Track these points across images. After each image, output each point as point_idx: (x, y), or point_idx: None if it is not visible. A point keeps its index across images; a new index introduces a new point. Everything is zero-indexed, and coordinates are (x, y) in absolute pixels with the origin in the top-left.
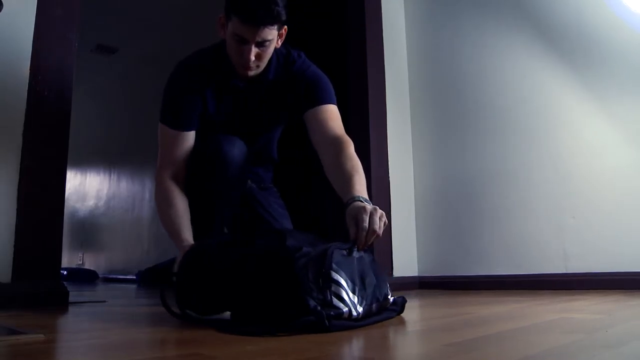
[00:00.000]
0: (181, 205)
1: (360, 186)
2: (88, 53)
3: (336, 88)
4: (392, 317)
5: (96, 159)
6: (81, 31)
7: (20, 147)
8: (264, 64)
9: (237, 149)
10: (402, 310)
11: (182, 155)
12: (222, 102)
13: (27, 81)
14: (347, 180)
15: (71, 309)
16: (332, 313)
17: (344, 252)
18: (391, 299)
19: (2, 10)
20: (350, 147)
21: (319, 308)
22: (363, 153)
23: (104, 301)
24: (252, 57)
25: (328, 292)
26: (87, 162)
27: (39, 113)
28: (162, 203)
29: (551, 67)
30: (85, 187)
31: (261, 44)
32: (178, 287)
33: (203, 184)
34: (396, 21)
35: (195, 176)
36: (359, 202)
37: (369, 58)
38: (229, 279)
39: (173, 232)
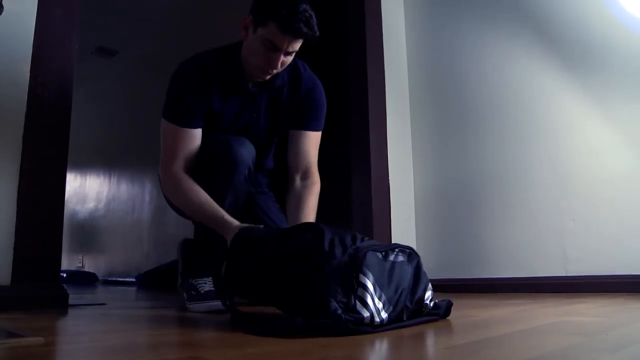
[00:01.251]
0: (204, 191)
1: None
2: (88, 55)
3: (336, 89)
4: (424, 323)
5: (96, 161)
6: (81, 33)
7: (20, 149)
8: (280, 70)
9: (245, 149)
10: (446, 313)
11: (189, 151)
12: (228, 102)
13: (27, 83)
14: (301, 216)
15: (71, 311)
16: (351, 318)
17: (380, 254)
18: (431, 303)
19: (2, 13)
20: (317, 188)
21: (339, 312)
22: (363, 155)
23: (104, 304)
24: (279, 65)
25: (353, 296)
26: (87, 164)
27: (39, 115)
28: (188, 193)
29: (551, 69)
30: (85, 189)
31: (289, 53)
32: (227, 270)
33: (211, 183)
34: (396, 22)
35: (204, 175)
36: None
37: (369, 59)
38: (268, 271)
39: (212, 216)
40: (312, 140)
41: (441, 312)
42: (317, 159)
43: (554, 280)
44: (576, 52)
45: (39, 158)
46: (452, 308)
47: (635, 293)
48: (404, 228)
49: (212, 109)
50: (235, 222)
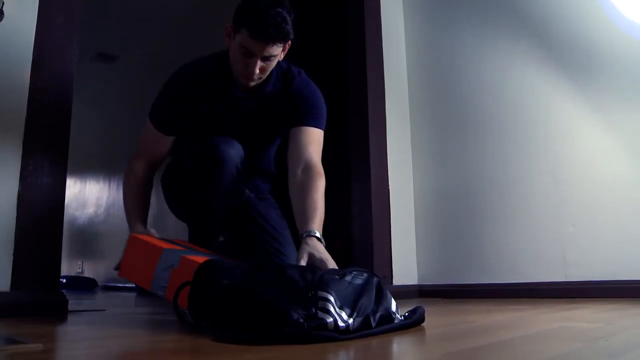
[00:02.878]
0: (146, 191)
1: (319, 222)
2: (88, 61)
3: (336, 93)
4: (395, 329)
5: (96, 166)
6: (81, 39)
7: (20, 154)
8: (265, 75)
9: (233, 149)
10: (419, 320)
11: (160, 152)
12: (216, 109)
13: (28, 89)
14: (308, 211)
15: (70, 317)
16: (313, 324)
17: (337, 276)
18: (399, 316)
19: (3, 20)
20: (321, 180)
21: (301, 320)
22: (362, 160)
23: (104, 309)
24: (257, 70)
25: (313, 308)
26: (87, 169)
27: (39, 121)
28: (130, 181)
29: (550, 74)
30: (85, 195)
31: (267, 58)
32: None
33: (199, 183)
34: (395, 26)
35: (192, 176)
36: (314, 241)
37: (368, 63)
38: (232, 296)
39: (130, 212)
40: (310, 136)
41: (414, 318)
42: (319, 157)
43: (553, 286)
44: (575, 58)
45: (39, 163)
46: (452, 315)
47: (636, 298)
48: (403, 233)
49: (198, 115)
50: (139, 229)
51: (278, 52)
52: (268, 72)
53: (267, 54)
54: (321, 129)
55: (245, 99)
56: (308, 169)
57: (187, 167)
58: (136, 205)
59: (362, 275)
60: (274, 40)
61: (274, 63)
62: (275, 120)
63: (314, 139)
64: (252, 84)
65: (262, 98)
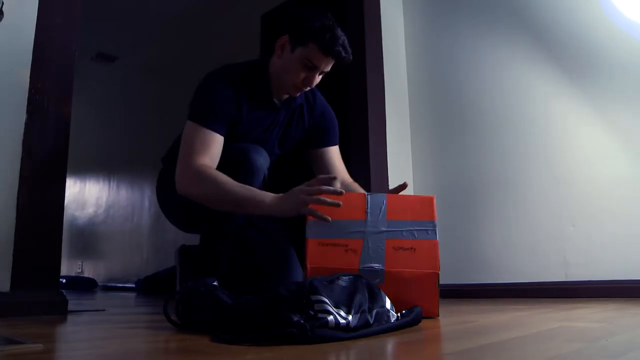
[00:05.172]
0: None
1: None
2: (88, 61)
3: (336, 93)
4: (394, 329)
5: (96, 167)
6: (81, 39)
7: (20, 155)
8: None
9: (262, 157)
10: (417, 320)
11: (211, 152)
12: (253, 113)
13: (27, 90)
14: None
15: (70, 317)
16: (315, 324)
17: (324, 282)
18: (396, 313)
19: (2, 20)
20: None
21: (302, 321)
22: (362, 161)
23: (103, 310)
24: (314, 84)
25: (311, 311)
26: (86, 170)
27: (38, 121)
28: (215, 178)
29: (550, 75)
30: (85, 195)
31: (322, 73)
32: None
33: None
34: (395, 27)
35: None
36: None
37: (368, 65)
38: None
39: (247, 196)
40: (337, 154)
41: (412, 316)
42: (346, 170)
43: (554, 286)
44: (575, 58)
45: (39, 164)
46: (452, 315)
47: (636, 298)
48: None
49: (240, 116)
50: (270, 194)
51: (330, 68)
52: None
53: (325, 69)
54: (338, 143)
55: (280, 109)
56: (346, 185)
57: None
58: (242, 186)
59: (349, 277)
60: (342, 59)
61: (320, 78)
62: (291, 132)
63: (337, 155)
64: (298, 94)
65: (292, 109)
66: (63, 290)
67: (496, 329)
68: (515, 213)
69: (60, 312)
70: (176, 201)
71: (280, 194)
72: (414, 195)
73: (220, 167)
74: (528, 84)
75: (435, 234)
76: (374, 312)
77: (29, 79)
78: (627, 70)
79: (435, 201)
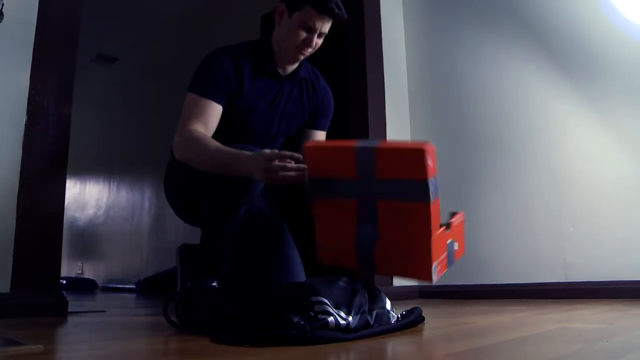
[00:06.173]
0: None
1: None
2: (88, 62)
3: (336, 93)
4: (395, 329)
5: (96, 168)
6: (81, 40)
7: (20, 156)
8: (312, 53)
9: None
10: (418, 320)
11: (207, 121)
12: (257, 82)
13: (27, 91)
14: None
15: (70, 319)
16: (315, 325)
17: (325, 283)
18: (395, 312)
19: (3, 21)
20: None
21: (302, 322)
22: None
23: (104, 311)
24: (314, 44)
25: (311, 312)
26: (86, 171)
27: (38, 122)
28: (202, 142)
29: (550, 76)
30: (85, 196)
31: (320, 36)
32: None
33: (225, 193)
34: (395, 29)
35: (218, 184)
36: None
37: (368, 65)
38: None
39: (230, 156)
40: (324, 138)
41: (412, 317)
42: None
43: (554, 287)
44: (575, 58)
45: (39, 164)
46: (452, 316)
47: (636, 299)
48: None
49: (242, 84)
50: (253, 150)
51: (328, 29)
52: (314, 51)
53: (323, 30)
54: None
55: (285, 80)
56: None
57: (209, 182)
58: (224, 148)
59: (349, 278)
60: (335, 16)
61: (321, 41)
62: (302, 107)
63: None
64: (301, 58)
65: (297, 81)
66: (63, 292)
67: (496, 330)
68: (515, 213)
69: (61, 313)
70: (184, 199)
71: (253, 157)
72: (407, 146)
73: (219, 181)
74: (527, 84)
75: (426, 195)
76: (374, 313)
77: (29, 80)
78: (626, 71)
79: (430, 153)
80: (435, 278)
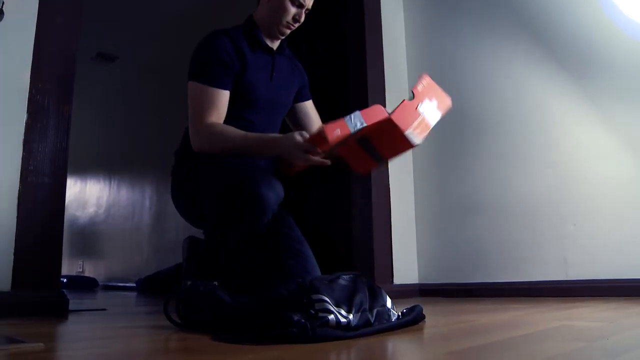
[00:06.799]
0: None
1: None
2: (88, 61)
3: (337, 92)
4: (395, 327)
5: (96, 166)
6: (81, 39)
7: (21, 154)
8: (296, 27)
9: (273, 192)
10: (418, 318)
11: (218, 110)
12: (255, 54)
13: (28, 90)
14: None
15: (71, 317)
16: (316, 323)
17: (325, 281)
18: (396, 311)
19: (3, 20)
20: None
21: (303, 321)
22: None
23: (104, 309)
24: (302, 19)
25: (312, 310)
26: (87, 169)
27: (39, 121)
28: (225, 134)
29: (550, 74)
30: (85, 195)
31: (307, 10)
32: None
33: (231, 217)
34: (395, 28)
35: (225, 208)
36: None
37: (368, 64)
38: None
39: (261, 140)
40: (313, 106)
41: (414, 315)
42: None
43: (554, 285)
44: (575, 57)
45: (40, 163)
46: (453, 314)
47: (636, 297)
48: (404, 233)
49: (245, 59)
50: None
51: (311, 4)
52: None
53: (309, 6)
54: None
55: (274, 54)
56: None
57: (215, 190)
58: (253, 135)
59: (349, 277)
60: None
61: (304, 16)
62: (294, 83)
63: (314, 108)
64: (287, 33)
65: (286, 56)
66: (64, 290)
67: (497, 328)
68: (515, 212)
69: (61, 311)
70: (191, 200)
71: (282, 140)
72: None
73: (226, 194)
74: (528, 83)
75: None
76: (375, 311)
77: (29, 79)
78: (627, 70)
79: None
80: (417, 140)
